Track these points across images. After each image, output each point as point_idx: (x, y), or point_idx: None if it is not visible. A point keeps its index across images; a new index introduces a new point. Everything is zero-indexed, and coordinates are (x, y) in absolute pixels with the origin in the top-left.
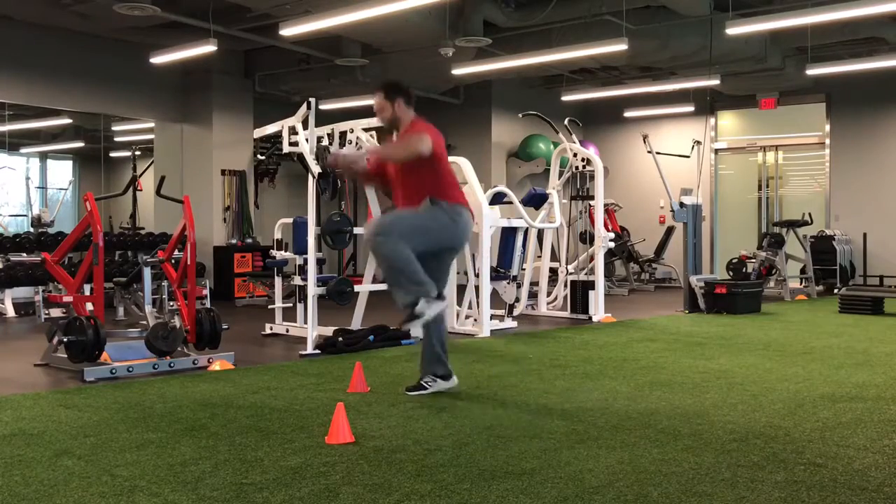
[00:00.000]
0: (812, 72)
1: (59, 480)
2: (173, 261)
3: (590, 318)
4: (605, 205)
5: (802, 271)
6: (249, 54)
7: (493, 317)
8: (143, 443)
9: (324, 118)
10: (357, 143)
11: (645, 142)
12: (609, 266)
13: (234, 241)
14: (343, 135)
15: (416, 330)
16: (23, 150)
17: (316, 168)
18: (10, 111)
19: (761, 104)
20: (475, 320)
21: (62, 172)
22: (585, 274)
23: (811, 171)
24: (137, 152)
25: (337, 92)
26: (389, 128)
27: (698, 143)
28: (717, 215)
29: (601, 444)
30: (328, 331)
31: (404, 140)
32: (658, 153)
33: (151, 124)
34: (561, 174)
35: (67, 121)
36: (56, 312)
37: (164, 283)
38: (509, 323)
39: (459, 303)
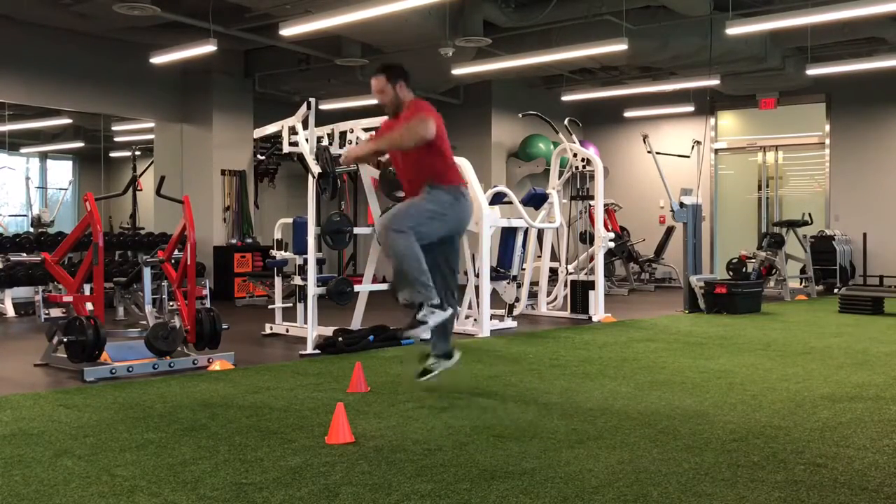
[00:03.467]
0: (812, 72)
1: (59, 480)
2: (173, 261)
3: (590, 318)
4: (605, 205)
5: (802, 271)
6: (249, 54)
7: (493, 317)
8: (143, 443)
9: (324, 118)
10: (357, 143)
11: (645, 142)
12: (609, 266)
13: (234, 241)
14: (343, 135)
15: (422, 333)
16: (23, 150)
17: (316, 168)
18: (10, 111)
19: (761, 104)
20: (475, 320)
21: (62, 172)
22: (585, 274)
23: (811, 171)
24: (137, 152)
25: (337, 92)
26: (391, 110)
27: (698, 143)
28: (717, 215)
29: (601, 444)
30: (328, 331)
31: (407, 125)
32: (658, 153)
33: (151, 124)
34: (561, 174)
35: (67, 121)
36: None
37: (164, 283)
38: (509, 323)
39: (460, 303)
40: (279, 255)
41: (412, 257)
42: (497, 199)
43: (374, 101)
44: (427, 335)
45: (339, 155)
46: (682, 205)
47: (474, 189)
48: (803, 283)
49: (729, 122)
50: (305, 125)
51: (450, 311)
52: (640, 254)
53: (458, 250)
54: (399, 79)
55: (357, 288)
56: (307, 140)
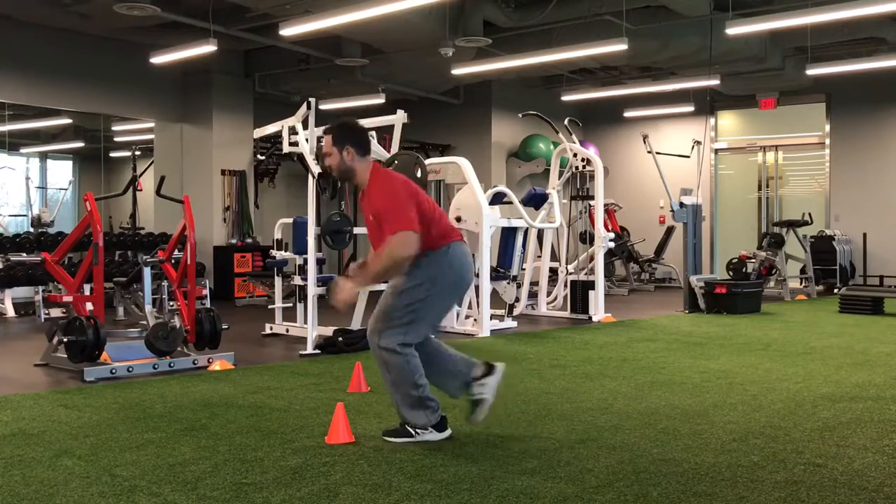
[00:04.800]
0: (812, 72)
1: (59, 480)
2: (173, 261)
3: (590, 318)
4: (605, 205)
5: (802, 271)
6: (249, 54)
7: (493, 317)
8: (143, 443)
9: (324, 118)
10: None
11: (645, 142)
12: (609, 266)
13: (234, 241)
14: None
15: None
16: (23, 150)
17: (316, 168)
18: (10, 111)
19: (761, 104)
20: (475, 320)
21: (62, 172)
22: (585, 274)
23: (811, 171)
24: (137, 152)
25: (337, 92)
26: (339, 178)
27: (698, 143)
28: (717, 215)
29: (601, 444)
30: (328, 331)
31: (388, 253)
32: (658, 153)
33: (151, 124)
34: (561, 174)
35: (67, 121)
36: (56, 312)
37: (164, 283)
38: (509, 323)
39: (460, 303)
40: (279, 255)
41: (406, 379)
42: (497, 199)
43: (374, 101)
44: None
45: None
46: (682, 205)
47: (474, 192)
48: (803, 283)
49: (729, 122)
50: (305, 125)
51: (447, 432)
52: (640, 254)
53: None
54: (346, 143)
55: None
56: (307, 140)
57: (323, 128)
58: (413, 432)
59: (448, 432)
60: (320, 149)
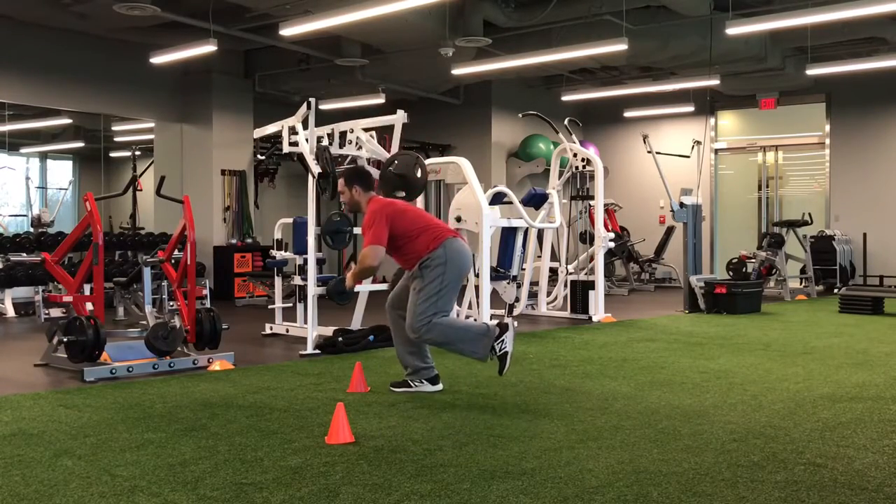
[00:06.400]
0: (812, 72)
1: (59, 480)
2: (173, 261)
3: (590, 318)
4: (605, 205)
5: (802, 271)
6: (249, 54)
7: (493, 317)
8: (143, 443)
9: (324, 118)
10: (357, 143)
11: (645, 142)
12: (609, 266)
13: (234, 241)
14: (343, 135)
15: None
16: (23, 150)
17: (316, 168)
18: (10, 111)
19: (761, 104)
20: (475, 320)
21: (62, 172)
22: (585, 274)
23: (811, 171)
24: (137, 152)
25: (337, 92)
26: (350, 210)
27: (698, 143)
28: (717, 215)
29: (601, 444)
30: (328, 331)
31: (360, 259)
32: (658, 153)
33: (151, 124)
34: (561, 174)
35: (67, 121)
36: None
37: (164, 283)
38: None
39: (459, 303)
40: (279, 255)
41: (453, 337)
42: (497, 199)
43: (374, 101)
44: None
45: (339, 155)
46: (682, 205)
47: (474, 192)
48: (803, 283)
49: (729, 122)
50: (305, 125)
51: (440, 385)
52: (640, 254)
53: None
54: (353, 183)
55: (357, 288)
56: (307, 140)
57: (340, 172)
58: (503, 351)
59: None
60: (320, 149)
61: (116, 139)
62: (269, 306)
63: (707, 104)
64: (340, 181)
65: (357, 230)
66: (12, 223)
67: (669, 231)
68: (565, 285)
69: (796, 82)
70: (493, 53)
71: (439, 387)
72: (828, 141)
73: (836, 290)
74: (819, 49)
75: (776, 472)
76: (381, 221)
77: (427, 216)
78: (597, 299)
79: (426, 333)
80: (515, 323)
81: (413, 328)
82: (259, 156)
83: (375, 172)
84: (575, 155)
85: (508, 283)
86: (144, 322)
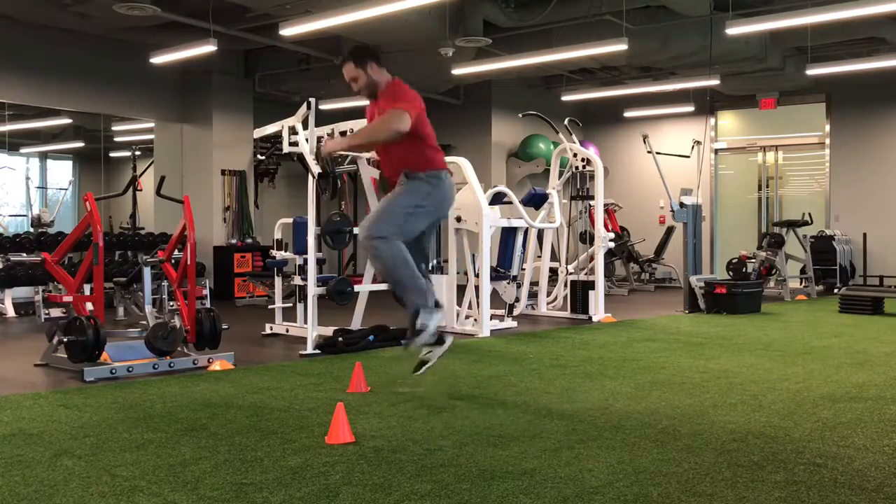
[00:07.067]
0: (812, 72)
1: (59, 480)
2: (173, 261)
3: (590, 318)
4: (605, 205)
5: (802, 271)
6: (249, 54)
7: (493, 317)
8: (143, 443)
9: (324, 118)
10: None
11: (645, 142)
12: (609, 266)
13: (234, 241)
14: (343, 134)
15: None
16: (23, 150)
17: (316, 168)
18: (10, 111)
19: (761, 104)
20: (475, 320)
21: (62, 172)
22: (585, 274)
23: (811, 171)
24: (137, 152)
25: (337, 92)
26: (368, 95)
27: (698, 143)
28: (717, 215)
29: (601, 444)
30: (328, 331)
31: (382, 119)
32: (658, 153)
33: (151, 124)
34: (561, 174)
35: (67, 121)
36: (56, 312)
37: (164, 283)
38: (509, 323)
39: (459, 303)
40: (279, 255)
41: (400, 264)
42: (497, 199)
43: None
44: (433, 339)
45: (340, 155)
46: (682, 205)
47: (474, 192)
48: (803, 283)
49: (729, 122)
50: (305, 125)
51: (443, 309)
52: (640, 254)
53: (434, 232)
54: (368, 59)
55: (357, 288)
56: (307, 140)
57: (339, 61)
58: (425, 324)
59: (442, 309)
60: (320, 148)
61: (116, 139)
62: (269, 306)
63: (707, 104)
64: (349, 65)
65: (357, 230)
66: (12, 223)
67: (669, 231)
68: (565, 285)
69: (796, 82)
70: (493, 53)
71: (450, 341)
72: (828, 141)
73: (836, 290)
74: (819, 49)
75: (776, 472)
76: (416, 101)
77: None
78: (597, 299)
79: (378, 245)
80: (449, 341)
81: (369, 231)
82: (259, 156)
83: (376, 172)
84: (575, 155)
85: (508, 283)
86: (144, 322)
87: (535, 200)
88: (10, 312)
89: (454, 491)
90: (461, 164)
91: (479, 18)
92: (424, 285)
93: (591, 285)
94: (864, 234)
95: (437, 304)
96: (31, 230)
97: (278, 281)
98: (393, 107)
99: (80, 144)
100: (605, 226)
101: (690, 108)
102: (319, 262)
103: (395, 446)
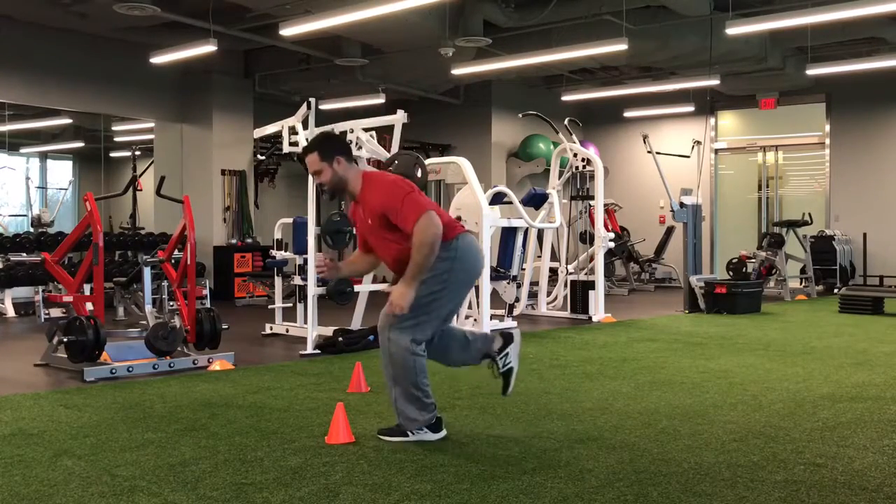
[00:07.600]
0: (812, 72)
1: (59, 480)
2: (173, 261)
3: (590, 318)
4: (605, 205)
5: (802, 271)
6: (249, 54)
7: (493, 317)
8: (143, 443)
9: (324, 118)
10: (357, 143)
11: (645, 142)
12: (609, 266)
13: (234, 241)
14: (343, 134)
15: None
16: (23, 150)
17: None
18: (10, 111)
19: (761, 104)
20: (475, 320)
21: (62, 172)
22: (585, 274)
23: (811, 171)
24: (137, 152)
25: (337, 92)
26: (334, 193)
27: (698, 143)
28: (717, 215)
29: (601, 444)
30: (328, 331)
31: (418, 242)
32: (658, 153)
33: (151, 124)
34: (561, 174)
35: (67, 121)
36: (56, 312)
37: (164, 283)
38: (509, 323)
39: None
40: (279, 255)
41: (406, 380)
42: (497, 199)
43: (374, 101)
44: (499, 345)
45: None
46: (682, 205)
47: (474, 192)
48: (803, 283)
49: (729, 122)
50: (305, 125)
51: (443, 433)
52: (640, 254)
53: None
54: (335, 154)
55: (357, 288)
56: (307, 140)
57: (302, 150)
58: (409, 432)
59: (443, 433)
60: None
61: (116, 139)
62: (269, 306)
63: (707, 104)
64: (312, 156)
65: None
66: (12, 223)
67: (669, 231)
68: (565, 285)
69: (796, 82)
70: (493, 53)
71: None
72: (828, 141)
73: (836, 290)
74: (819, 49)
75: (776, 472)
76: (409, 189)
77: (437, 205)
78: (597, 299)
79: (395, 351)
80: (517, 335)
81: (387, 324)
82: (259, 156)
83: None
84: (575, 155)
85: (508, 283)
86: (144, 322)
87: (535, 200)
88: (10, 312)
89: (454, 491)
90: (461, 164)
91: (479, 18)
92: (430, 397)
93: (591, 285)
94: (864, 234)
95: (439, 426)
96: (31, 230)
97: (278, 281)
98: (407, 222)
99: (80, 144)
100: (605, 226)
101: (690, 108)
102: None
103: (395, 446)
